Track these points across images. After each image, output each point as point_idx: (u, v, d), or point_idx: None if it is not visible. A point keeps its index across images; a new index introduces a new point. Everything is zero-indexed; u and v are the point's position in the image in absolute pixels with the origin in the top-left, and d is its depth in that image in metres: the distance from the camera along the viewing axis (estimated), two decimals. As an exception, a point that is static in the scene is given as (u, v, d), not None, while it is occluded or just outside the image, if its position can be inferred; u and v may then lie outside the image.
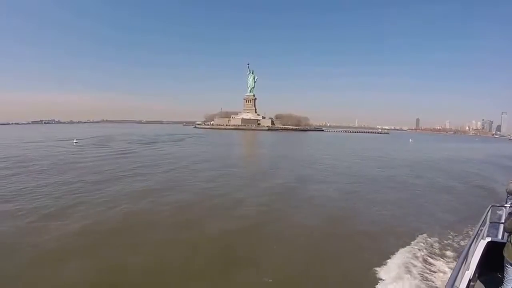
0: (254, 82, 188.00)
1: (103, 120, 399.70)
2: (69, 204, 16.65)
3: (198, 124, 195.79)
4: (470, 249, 5.22)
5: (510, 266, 5.07)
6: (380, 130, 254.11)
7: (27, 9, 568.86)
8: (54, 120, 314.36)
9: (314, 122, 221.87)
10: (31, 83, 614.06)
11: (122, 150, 46.14)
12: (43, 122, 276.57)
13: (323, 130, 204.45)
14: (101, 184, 22.01)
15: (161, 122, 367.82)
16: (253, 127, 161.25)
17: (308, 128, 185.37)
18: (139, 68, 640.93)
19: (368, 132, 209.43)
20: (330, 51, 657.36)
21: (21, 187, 20.36)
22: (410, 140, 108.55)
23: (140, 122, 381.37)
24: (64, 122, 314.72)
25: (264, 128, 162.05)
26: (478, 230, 5.94)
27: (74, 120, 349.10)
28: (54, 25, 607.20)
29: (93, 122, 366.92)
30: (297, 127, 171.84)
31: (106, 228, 13.22)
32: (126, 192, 19.80)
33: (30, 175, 24.87)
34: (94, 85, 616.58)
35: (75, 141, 59.30)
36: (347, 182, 25.44)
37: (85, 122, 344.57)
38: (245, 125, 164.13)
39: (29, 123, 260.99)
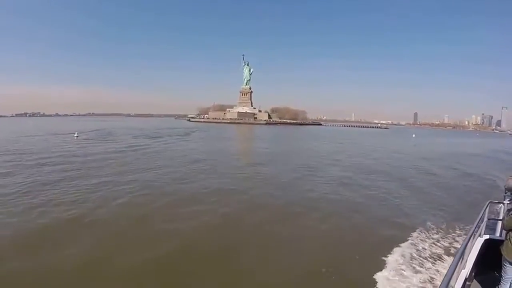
0: (250, 74, 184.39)
1: (90, 113, 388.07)
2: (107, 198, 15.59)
3: (192, 118, 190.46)
4: (467, 247, 5.03)
5: (509, 265, 4.87)
6: (379, 124, 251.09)
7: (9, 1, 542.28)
8: (39, 113, 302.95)
9: (310, 116, 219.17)
10: (14, 76, 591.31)
11: (131, 145, 43.32)
12: (27, 115, 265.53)
13: (321, 124, 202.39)
14: (126, 176, 21.13)
15: (150, 115, 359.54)
16: (250, 121, 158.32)
17: (306, 122, 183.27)
18: (126, 61, 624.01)
19: (367, 127, 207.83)
20: (325, 44, 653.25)
21: (48, 182, 18.51)
22: (413, 135, 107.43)
23: (128, 115, 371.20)
24: (50, 115, 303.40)
25: (261, 122, 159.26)
26: (475, 227, 5.74)
27: (60, 113, 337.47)
28: (38, 17, 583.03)
29: (79, 115, 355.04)
30: (295, 121, 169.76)
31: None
32: (157, 186, 18.79)
33: (51, 170, 22.36)
34: (79, 77, 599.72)
35: (76, 134, 55.56)
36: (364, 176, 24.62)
37: (71, 115, 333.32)
38: (241, 119, 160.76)
39: (13, 116, 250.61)
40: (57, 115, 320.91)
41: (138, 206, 14.66)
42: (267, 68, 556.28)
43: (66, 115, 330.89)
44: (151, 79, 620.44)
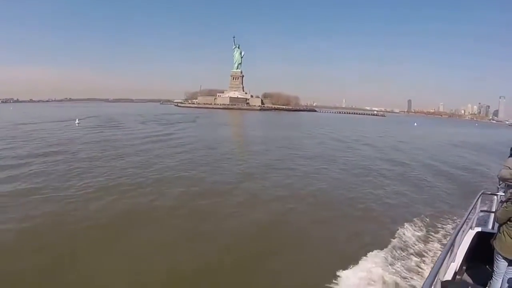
0: (241, 57, 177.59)
1: (66, 98, 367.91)
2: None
3: (180, 103, 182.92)
4: (457, 239, 4.83)
5: (501, 259, 4.70)
6: (375, 112, 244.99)
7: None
8: (12, 99, 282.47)
9: (300, 102, 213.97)
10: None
11: (148, 132, 40.40)
12: (1, 101, 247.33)
13: (316, 111, 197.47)
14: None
15: (131, 100, 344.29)
16: (243, 107, 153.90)
17: (300, 108, 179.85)
18: (104, 44, 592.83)
19: (364, 114, 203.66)
20: (315, 30, 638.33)
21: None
22: (415, 124, 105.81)
23: (107, 100, 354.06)
24: (24, 101, 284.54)
25: (255, 107, 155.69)
26: (466, 219, 5.49)
27: (34, 99, 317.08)
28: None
29: (55, 100, 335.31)
30: (289, 107, 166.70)
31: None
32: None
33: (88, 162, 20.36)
34: (52, 60, 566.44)
35: (77, 121, 50.88)
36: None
37: (47, 101, 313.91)
38: (234, 104, 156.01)
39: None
40: (31, 101, 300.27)
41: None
42: (256, 54, 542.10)
43: (41, 100, 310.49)
44: (130, 62, 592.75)
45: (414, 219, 12.41)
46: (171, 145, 28.52)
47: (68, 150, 24.24)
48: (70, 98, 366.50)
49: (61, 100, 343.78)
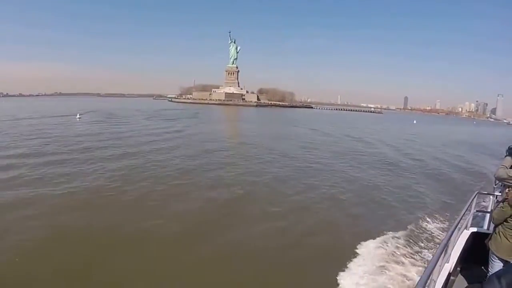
0: (237, 52, 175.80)
1: (57, 93, 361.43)
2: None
3: (174, 98, 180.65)
4: (451, 239, 4.67)
5: (496, 260, 4.63)
6: (372, 109, 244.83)
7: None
8: (2, 93, 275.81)
9: (295, 98, 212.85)
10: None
11: (156, 128, 40.35)
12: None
13: (312, 107, 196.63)
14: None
15: (122, 95, 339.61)
16: (239, 103, 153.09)
17: (296, 104, 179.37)
18: (97, 38, 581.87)
19: (360, 111, 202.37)
20: (309, 25, 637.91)
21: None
22: (414, 122, 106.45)
23: (98, 95, 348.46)
24: (13, 95, 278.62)
25: (251, 103, 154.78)
26: (460, 219, 5.30)
27: (24, 93, 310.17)
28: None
29: (45, 95, 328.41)
30: (285, 104, 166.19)
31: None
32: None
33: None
34: (40, 54, 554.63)
35: (78, 116, 50.03)
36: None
37: (37, 95, 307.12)
38: (230, 100, 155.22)
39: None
40: (20, 95, 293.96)
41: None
42: (250, 49, 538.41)
43: (31, 95, 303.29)
44: (122, 56, 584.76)
45: (411, 216, 12.52)
46: (185, 142, 28.40)
47: (78, 147, 23.93)
48: (60, 93, 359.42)
49: (51, 95, 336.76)
